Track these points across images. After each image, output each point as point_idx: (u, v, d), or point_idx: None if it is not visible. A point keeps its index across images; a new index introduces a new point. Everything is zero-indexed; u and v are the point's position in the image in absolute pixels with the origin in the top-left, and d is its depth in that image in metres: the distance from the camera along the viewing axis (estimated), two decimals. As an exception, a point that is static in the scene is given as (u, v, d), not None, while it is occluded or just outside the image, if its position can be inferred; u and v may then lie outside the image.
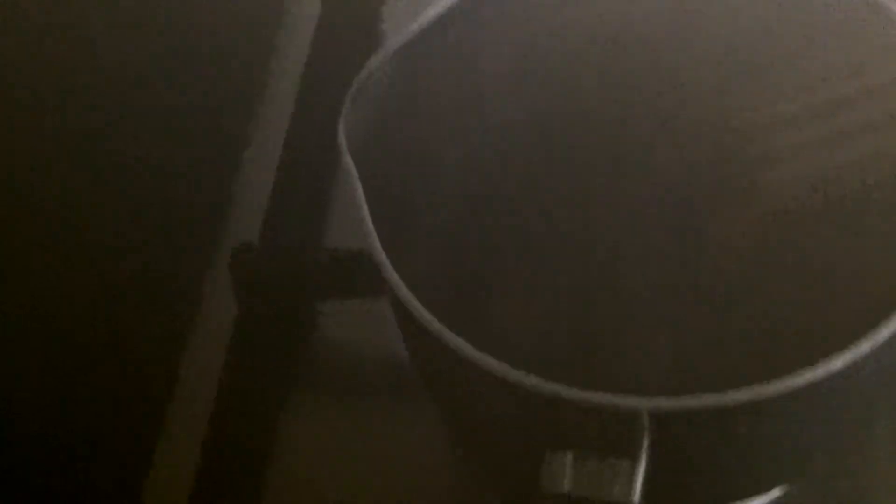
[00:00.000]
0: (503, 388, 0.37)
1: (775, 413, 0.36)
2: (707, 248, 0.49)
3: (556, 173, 0.49)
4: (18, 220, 0.48)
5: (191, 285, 0.55)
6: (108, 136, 0.51)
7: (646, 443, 0.35)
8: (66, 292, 0.50)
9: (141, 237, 0.53)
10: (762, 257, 0.48)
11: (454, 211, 0.48)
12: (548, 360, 0.37)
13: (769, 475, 0.42)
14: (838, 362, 0.35)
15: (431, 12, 0.44)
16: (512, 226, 0.49)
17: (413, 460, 0.50)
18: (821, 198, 0.46)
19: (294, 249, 0.56)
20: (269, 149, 0.58)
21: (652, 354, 0.46)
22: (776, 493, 0.45)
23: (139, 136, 0.53)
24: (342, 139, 0.41)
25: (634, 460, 0.35)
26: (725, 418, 0.36)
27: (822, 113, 0.46)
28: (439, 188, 0.47)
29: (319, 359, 0.54)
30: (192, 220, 0.56)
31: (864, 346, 0.35)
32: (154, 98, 0.54)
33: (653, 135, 0.49)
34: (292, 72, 0.60)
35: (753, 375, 0.35)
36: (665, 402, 0.35)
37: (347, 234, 0.55)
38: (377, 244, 0.40)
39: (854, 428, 0.43)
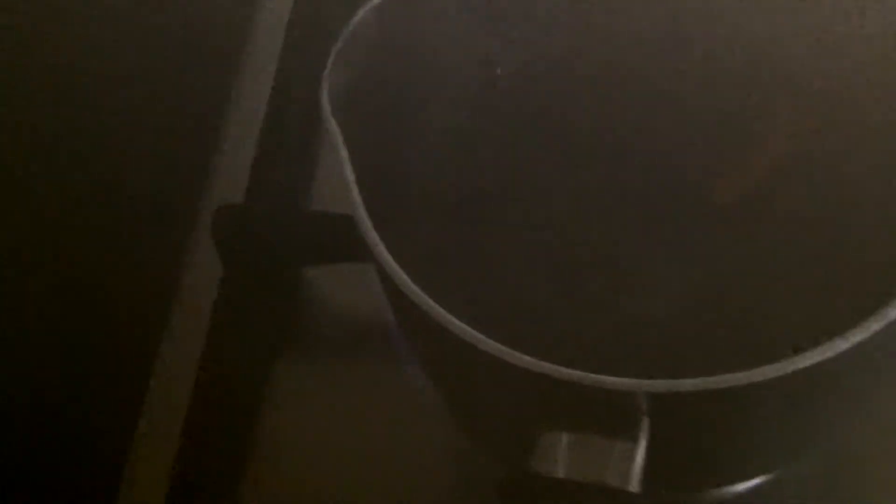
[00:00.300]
0: (493, 365, 0.35)
1: (778, 395, 0.35)
2: (708, 224, 0.47)
3: (552, 135, 0.47)
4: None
5: (174, 247, 0.54)
6: (89, 95, 0.51)
7: (644, 426, 0.34)
8: (47, 255, 0.49)
9: (122, 199, 0.52)
10: (766, 235, 0.46)
11: (444, 175, 0.46)
12: (540, 338, 0.35)
13: (768, 458, 0.41)
14: (844, 343, 0.33)
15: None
16: (505, 193, 0.47)
17: (403, 423, 0.49)
18: (827, 174, 0.45)
19: (279, 212, 0.55)
20: (253, 108, 0.56)
21: (649, 335, 0.44)
22: (772, 476, 0.43)
23: (121, 94, 0.52)
24: (325, 101, 0.40)
25: (632, 444, 0.33)
26: (726, 401, 0.34)
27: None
28: (428, 151, 0.46)
29: (306, 322, 0.53)
30: (175, 181, 0.55)
31: (872, 326, 0.33)
32: (135, 55, 0.53)
33: (653, 100, 0.47)
34: (275, 28, 0.59)
35: (755, 357, 0.33)
36: (663, 385, 0.33)
37: (334, 197, 0.53)
38: (362, 212, 0.38)
39: (853, 410, 0.41)
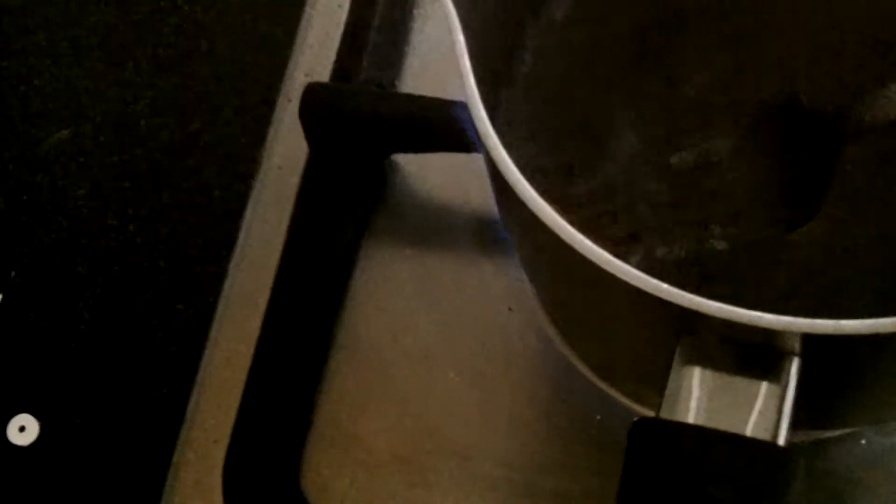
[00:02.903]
0: (621, 289, 0.31)
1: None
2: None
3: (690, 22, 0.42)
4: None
5: (259, 124, 0.53)
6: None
7: (794, 372, 0.29)
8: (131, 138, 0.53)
9: (207, 71, 0.53)
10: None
11: (566, 63, 0.41)
12: (677, 261, 0.31)
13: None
14: None
15: None
16: (636, 88, 0.41)
17: (487, 319, 0.48)
18: None
19: (369, 93, 0.52)
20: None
21: (799, 266, 0.39)
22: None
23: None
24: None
25: (780, 389, 0.29)
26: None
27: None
28: (550, 35, 0.41)
29: (392, 207, 0.51)
30: (261, 56, 0.54)
31: None
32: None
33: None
34: None
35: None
36: (826, 325, 0.28)
37: (423, 80, 0.53)
38: (477, 102, 0.34)
39: None
